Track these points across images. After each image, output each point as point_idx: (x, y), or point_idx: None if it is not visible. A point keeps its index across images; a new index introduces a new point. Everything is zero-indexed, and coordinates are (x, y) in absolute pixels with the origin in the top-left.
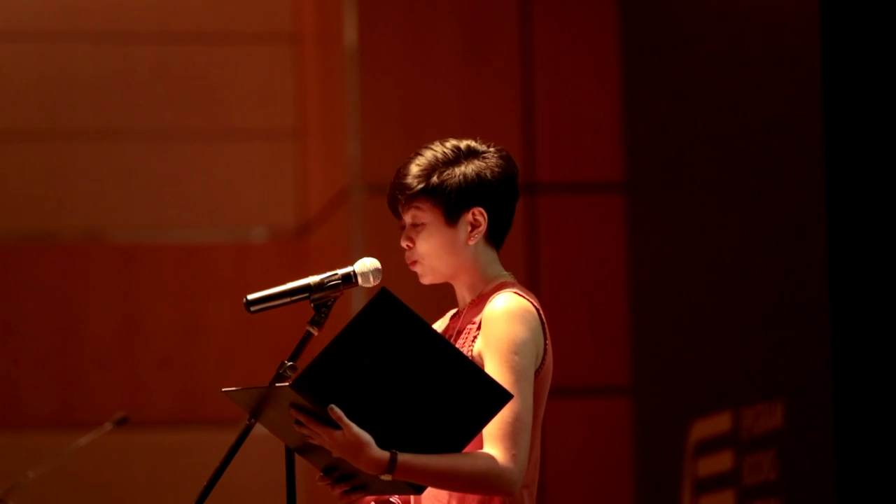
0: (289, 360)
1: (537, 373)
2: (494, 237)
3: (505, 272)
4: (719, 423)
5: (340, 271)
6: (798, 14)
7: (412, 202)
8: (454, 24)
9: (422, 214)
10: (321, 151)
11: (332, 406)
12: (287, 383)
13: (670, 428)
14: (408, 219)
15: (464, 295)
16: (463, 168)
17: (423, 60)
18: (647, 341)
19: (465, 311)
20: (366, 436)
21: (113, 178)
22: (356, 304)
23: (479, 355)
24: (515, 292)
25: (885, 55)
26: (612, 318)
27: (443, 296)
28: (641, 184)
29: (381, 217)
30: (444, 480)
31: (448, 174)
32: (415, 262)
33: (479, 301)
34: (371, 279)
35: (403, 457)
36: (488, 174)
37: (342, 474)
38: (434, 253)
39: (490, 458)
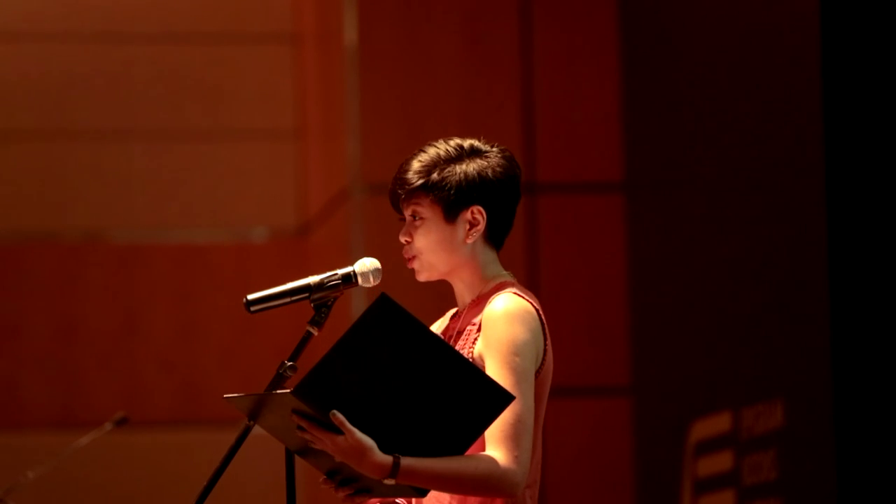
0: (289, 360)
1: (537, 373)
2: (494, 237)
3: (504, 272)
4: (719, 423)
5: (340, 271)
6: (798, 14)
7: (412, 197)
8: (454, 24)
9: (421, 210)
10: (321, 151)
11: (335, 412)
12: (288, 390)
13: (670, 428)
14: (407, 214)
15: (463, 295)
16: (464, 166)
17: (423, 60)
18: (647, 341)
19: (464, 312)
20: (368, 441)
21: (113, 178)
22: (356, 304)
23: (480, 357)
24: (515, 293)
25: (885, 55)
26: (612, 318)
27: (442, 296)
28: (641, 184)
29: (381, 217)
30: (448, 483)
31: (449, 171)
32: (412, 258)
33: (479, 301)
34: (371, 279)
35: (406, 461)
36: (489, 173)
37: (345, 478)
38: (431, 249)
39: (493, 460)
